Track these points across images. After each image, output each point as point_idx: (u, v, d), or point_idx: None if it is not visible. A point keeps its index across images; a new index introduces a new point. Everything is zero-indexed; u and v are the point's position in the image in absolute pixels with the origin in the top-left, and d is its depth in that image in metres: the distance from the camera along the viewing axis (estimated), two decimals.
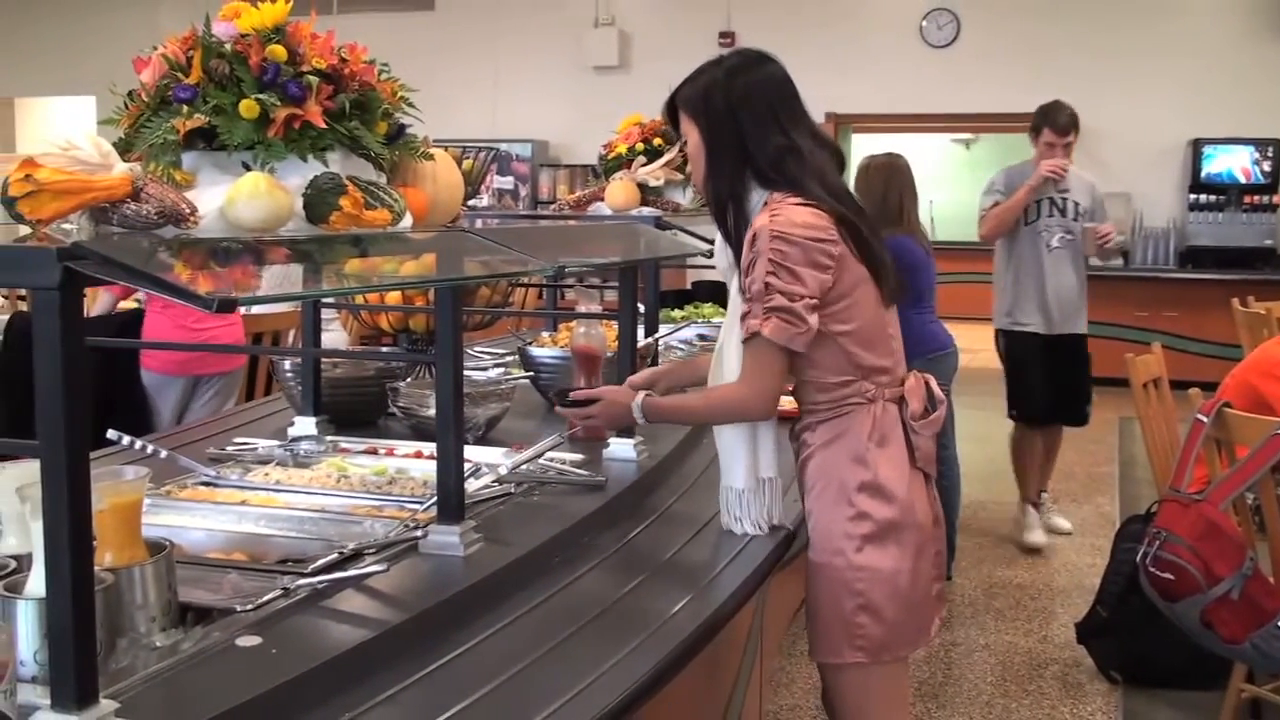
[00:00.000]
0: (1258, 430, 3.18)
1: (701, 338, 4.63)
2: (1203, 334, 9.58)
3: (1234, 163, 10.27)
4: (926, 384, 2.39)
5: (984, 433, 6.42)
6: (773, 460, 2.39)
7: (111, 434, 2.48)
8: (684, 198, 4.34)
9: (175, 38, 1.95)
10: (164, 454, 2.49)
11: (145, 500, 1.72)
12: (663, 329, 4.11)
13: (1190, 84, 10.32)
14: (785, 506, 2.48)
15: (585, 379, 3.09)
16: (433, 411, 2.48)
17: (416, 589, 1.94)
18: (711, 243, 3.69)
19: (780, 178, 2.26)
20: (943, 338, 4.82)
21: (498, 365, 3.72)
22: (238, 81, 1.88)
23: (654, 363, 3.67)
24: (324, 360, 3.12)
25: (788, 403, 2.52)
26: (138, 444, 2.49)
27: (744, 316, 2.22)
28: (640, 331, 3.02)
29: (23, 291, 5.61)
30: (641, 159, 4.30)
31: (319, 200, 1.86)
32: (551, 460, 2.65)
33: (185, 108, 1.87)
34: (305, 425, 2.93)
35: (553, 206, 6.96)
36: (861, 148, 4.92)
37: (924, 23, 11.05)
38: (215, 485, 2.49)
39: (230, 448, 2.78)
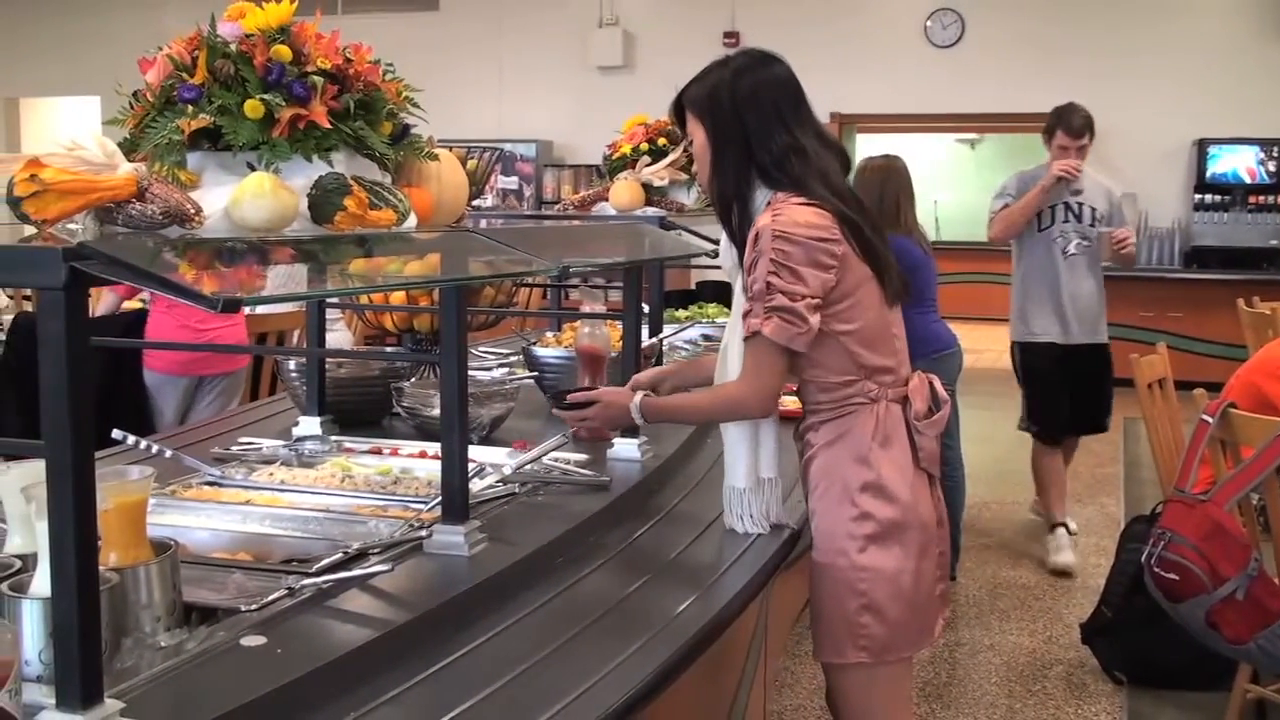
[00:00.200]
0: (1263, 431, 3.18)
1: (706, 338, 4.63)
2: (1208, 334, 9.57)
3: (1239, 163, 10.26)
4: (930, 384, 2.39)
5: (988, 433, 6.42)
6: (773, 460, 2.40)
7: (116, 434, 2.48)
8: (688, 198, 4.34)
9: (180, 38, 1.96)
10: (169, 454, 2.49)
11: (150, 500, 1.73)
12: (667, 329, 4.12)
13: (1195, 84, 10.31)
14: (789, 507, 2.48)
15: (590, 379, 3.09)
16: (437, 411, 2.48)
17: (421, 589, 1.94)
18: (715, 243, 3.69)
19: (784, 177, 2.26)
20: (946, 337, 4.82)
21: (502, 365, 3.73)
22: (243, 82, 1.88)
23: (658, 363, 3.67)
24: (329, 360, 3.12)
25: (791, 403, 2.52)
26: (143, 444, 2.49)
27: (745, 315, 2.23)
28: (644, 332, 3.02)
29: (28, 291, 5.63)
30: (646, 159, 4.29)
31: (324, 200, 1.86)
32: (556, 460, 2.65)
33: (190, 108, 1.87)
34: (310, 425, 2.93)
35: (557, 206, 6.97)
36: (865, 148, 4.92)
37: (928, 23, 11.05)
38: (220, 485, 2.49)
39: (235, 447, 2.79)
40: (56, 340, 1.28)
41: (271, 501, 2.38)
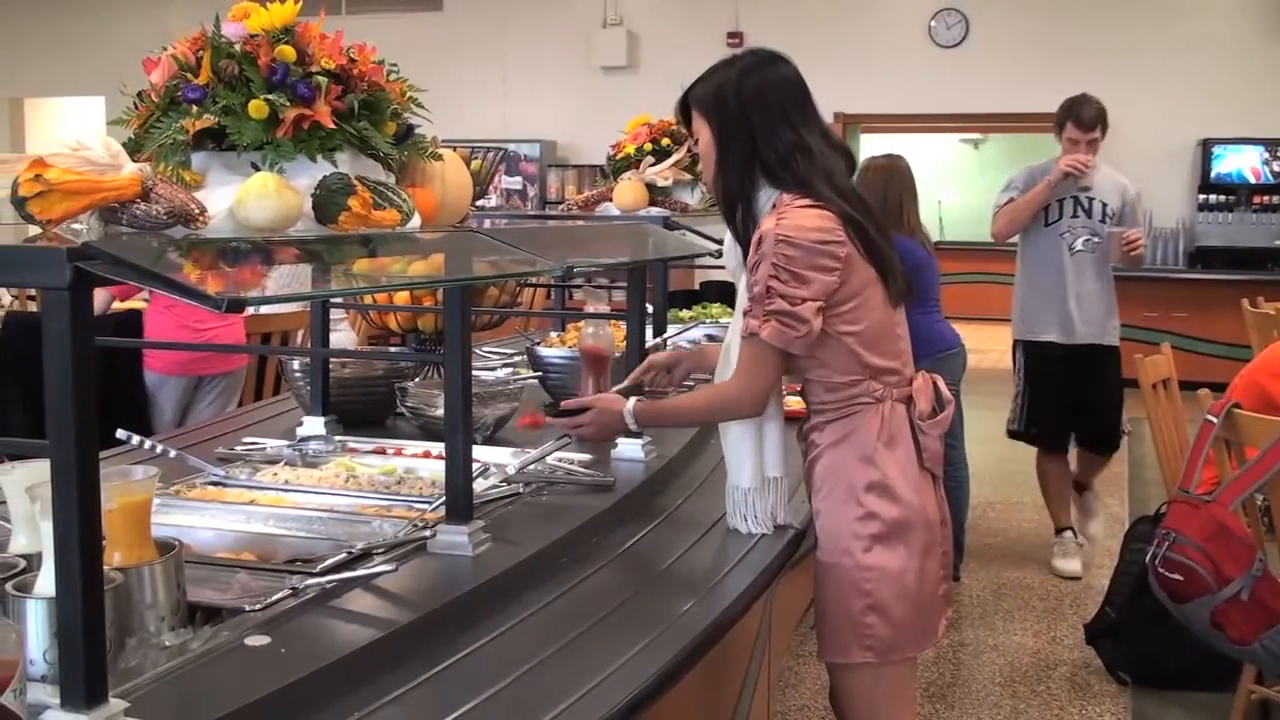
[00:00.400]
0: (1267, 431, 3.18)
1: (710, 338, 4.62)
2: (1212, 334, 9.56)
3: (1244, 163, 10.25)
4: (934, 384, 2.39)
5: (993, 433, 6.40)
6: (778, 459, 2.40)
7: (121, 434, 2.48)
8: (692, 198, 4.34)
9: (185, 38, 1.96)
10: (173, 454, 2.50)
11: (154, 500, 1.73)
12: (671, 329, 4.11)
13: (1200, 84, 10.30)
14: (793, 507, 2.48)
15: (593, 379, 3.09)
16: (441, 411, 2.48)
17: (425, 589, 1.94)
18: (719, 243, 3.69)
19: (789, 176, 2.26)
20: (950, 337, 4.81)
21: (506, 365, 3.73)
22: (247, 82, 1.89)
23: None
24: (332, 360, 3.12)
25: (795, 403, 2.52)
26: (147, 444, 2.49)
27: (745, 314, 2.23)
28: (648, 332, 3.02)
29: (32, 291, 5.63)
30: (650, 159, 4.29)
31: (328, 200, 1.87)
32: (560, 461, 2.65)
33: (195, 108, 1.87)
34: (314, 425, 2.94)
35: (561, 207, 6.97)
36: (869, 148, 4.90)
37: (933, 23, 11.04)
38: (224, 485, 2.50)
39: (239, 447, 2.79)
40: (61, 340, 1.28)
41: (276, 501, 2.39)
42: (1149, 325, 9.45)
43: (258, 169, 1.87)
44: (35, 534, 1.59)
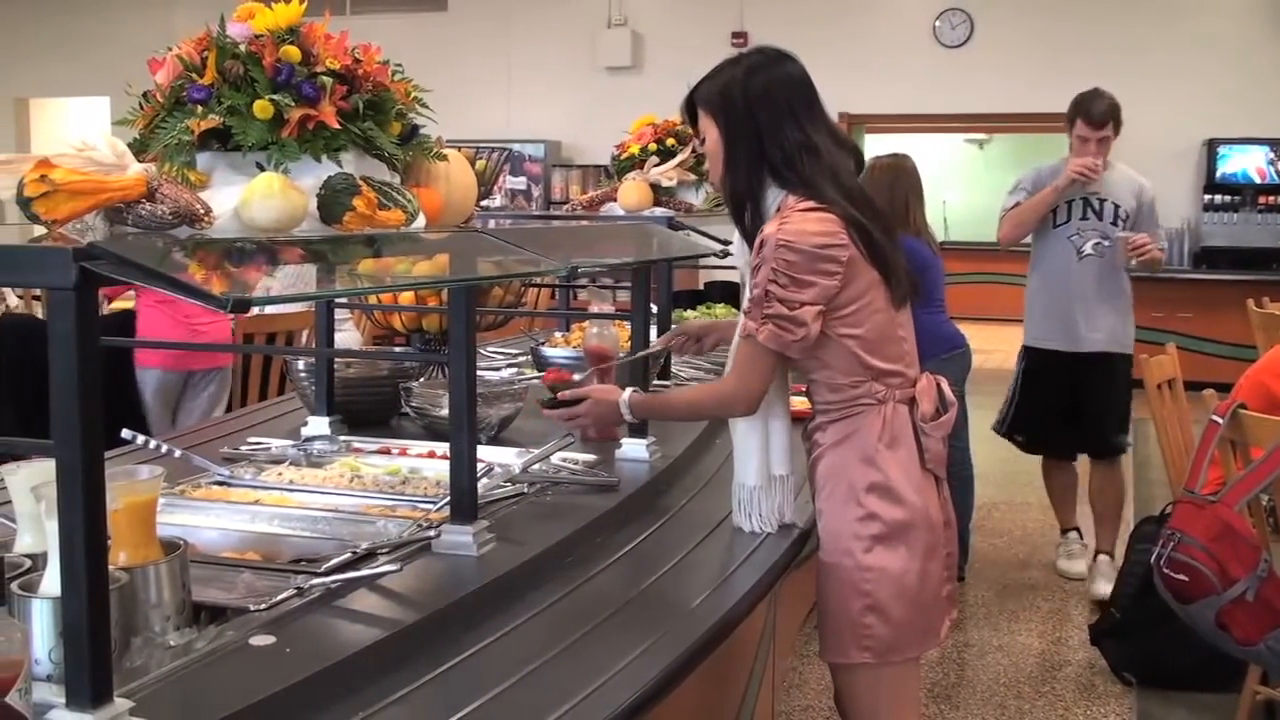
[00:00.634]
0: (1272, 431, 3.18)
1: None
2: (1217, 335, 9.54)
3: (1249, 163, 10.23)
4: (938, 385, 2.38)
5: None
6: (784, 457, 2.40)
7: (126, 433, 2.49)
8: (697, 198, 4.34)
9: (190, 39, 1.96)
10: (178, 453, 2.50)
11: (159, 499, 1.73)
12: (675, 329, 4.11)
13: (1205, 84, 10.28)
14: (799, 506, 2.47)
15: (598, 380, 3.09)
16: (446, 411, 2.48)
17: (429, 589, 1.94)
18: (724, 243, 3.70)
19: (794, 177, 2.25)
20: (955, 337, 4.80)
21: (510, 365, 3.74)
22: (252, 82, 1.89)
23: (667, 363, 3.67)
24: (337, 360, 3.13)
25: (800, 403, 2.52)
26: (152, 443, 2.50)
27: (745, 314, 2.24)
28: (653, 332, 3.02)
29: (37, 291, 5.64)
30: (654, 159, 4.30)
31: (333, 200, 1.87)
32: (564, 460, 2.66)
33: (200, 108, 1.88)
34: (319, 425, 2.94)
35: (565, 207, 6.97)
36: (874, 148, 4.87)
37: (937, 23, 11.03)
38: (229, 485, 2.50)
39: (244, 447, 2.79)
40: (66, 340, 1.29)
41: (280, 501, 2.39)
42: (1154, 326, 9.43)
43: (263, 169, 1.87)
44: (40, 533, 1.59)
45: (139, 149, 1.89)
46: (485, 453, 2.52)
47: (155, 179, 1.67)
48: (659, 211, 4.19)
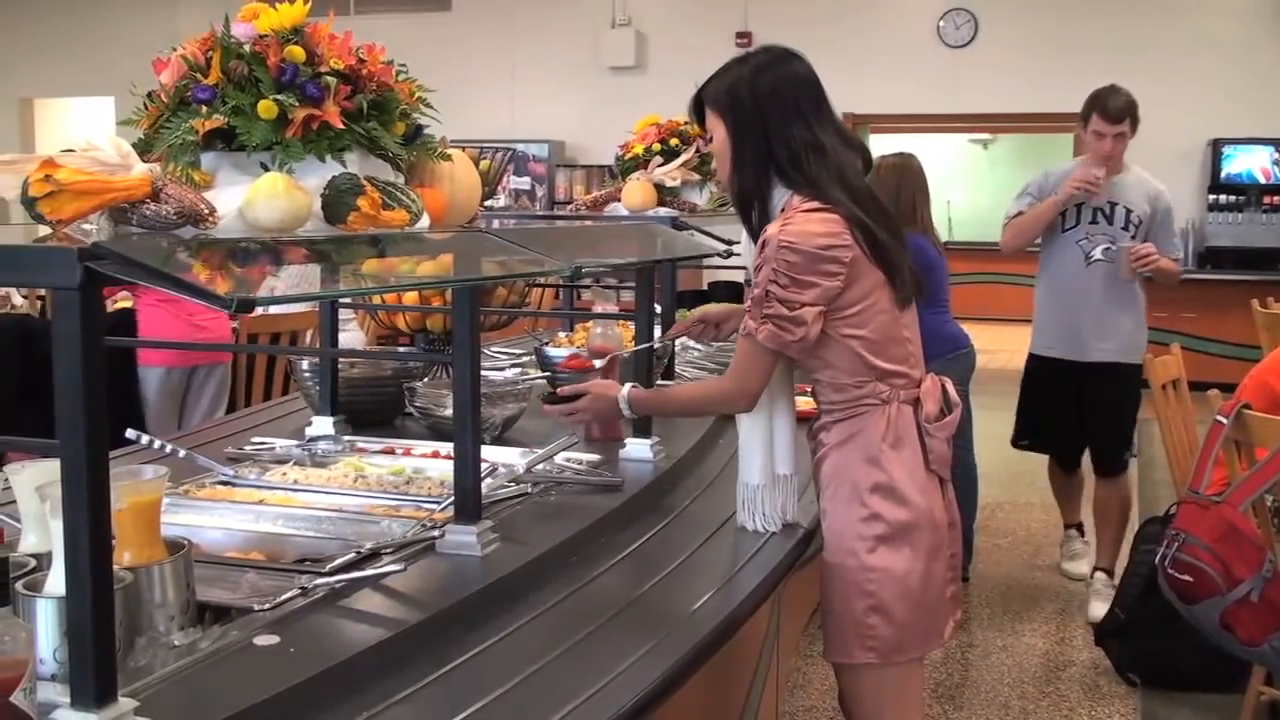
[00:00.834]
0: (1277, 431, 3.17)
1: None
2: (1222, 335, 9.53)
3: (1254, 163, 10.22)
4: (943, 386, 2.38)
5: (1002, 433, 6.39)
6: (789, 457, 2.40)
7: (130, 433, 2.49)
8: (701, 198, 4.34)
9: (194, 39, 1.96)
10: (182, 453, 2.50)
11: (164, 499, 1.73)
12: None
13: (1210, 84, 10.27)
14: (804, 505, 2.47)
15: (603, 375, 3.09)
16: (450, 411, 2.48)
17: (434, 589, 1.94)
18: (728, 243, 3.70)
19: (800, 177, 2.25)
20: (959, 338, 4.79)
21: (514, 365, 3.74)
22: (256, 82, 1.89)
23: (671, 363, 3.68)
24: (341, 360, 3.13)
25: (805, 403, 2.52)
26: (156, 443, 2.50)
27: (747, 313, 2.24)
28: (656, 332, 3.02)
29: (40, 291, 5.65)
30: (658, 159, 4.29)
31: (337, 201, 1.87)
32: (568, 460, 2.66)
33: (204, 108, 1.88)
34: (323, 425, 2.94)
35: (569, 207, 6.97)
36: (878, 148, 4.86)
37: (941, 23, 11.03)
38: (233, 484, 2.50)
39: (248, 447, 2.80)
40: (71, 340, 1.29)
41: (284, 501, 2.39)
42: (1158, 326, 9.34)
43: (267, 169, 1.87)
44: (45, 533, 1.59)
45: (143, 149, 1.89)
46: (489, 453, 2.52)
47: (160, 179, 1.67)
48: (663, 211, 4.19)
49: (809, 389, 2.43)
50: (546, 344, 3.79)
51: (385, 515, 2.29)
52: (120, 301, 5.30)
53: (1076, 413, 4.80)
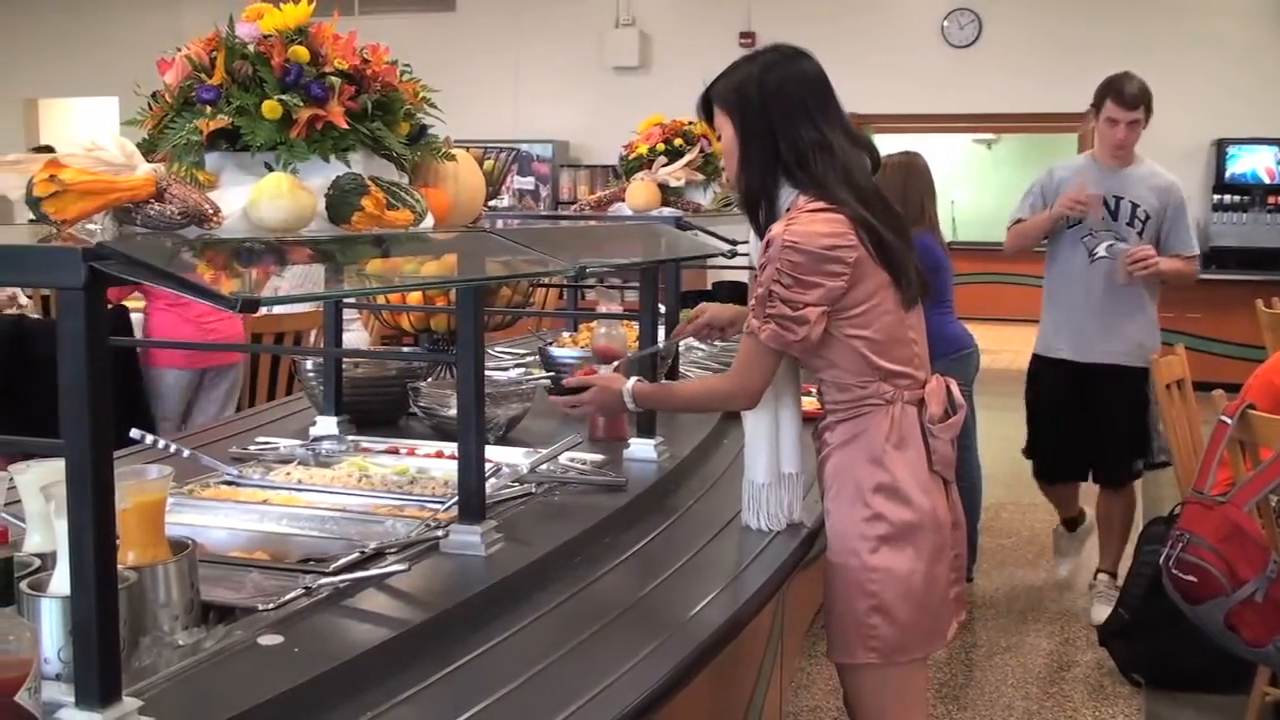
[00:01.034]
0: None
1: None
2: (1226, 335, 9.52)
3: (1258, 163, 10.21)
4: (948, 387, 2.38)
5: (1006, 433, 6.39)
6: (794, 455, 2.41)
7: (135, 433, 2.49)
8: (705, 198, 4.34)
9: (198, 39, 1.97)
10: (187, 453, 2.50)
11: (168, 499, 1.73)
12: None
13: (1214, 83, 10.25)
14: (809, 505, 2.47)
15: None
16: (454, 411, 2.48)
17: (437, 588, 1.94)
18: (732, 243, 3.70)
19: (806, 177, 2.25)
20: (964, 338, 4.79)
21: (518, 365, 3.73)
22: (260, 82, 1.89)
23: (674, 363, 3.68)
24: (345, 360, 3.13)
25: (810, 403, 2.52)
26: (161, 443, 2.50)
27: (750, 312, 2.24)
28: (660, 332, 3.02)
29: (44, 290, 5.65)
30: (662, 159, 4.29)
31: (341, 201, 1.87)
32: (572, 461, 2.66)
33: (208, 108, 1.88)
34: (327, 425, 2.94)
35: (573, 207, 6.97)
36: (882, 148, 4.85)
37: (945, 23, 11.02)
38: (237, 484, 2.50)
39: (252, 447, 2.80)
40: (76, 340, 1.29)
41: (289, 501, 2.39)
42: (1163, 326, 9.31)
43: (271, 169, 1.88)
44: (50, 533, 1.59)
45: (148, 149, 1.89)
46: (493, 453, 2.53)
47: (164, 179, 1.68)
48: (667, 211, 4.18)
49: (813, 389, 2.43)
50: (551, 344, 3.79)
51: (389, 515, 2.29)
52: (129, 301, 5.31)
53: (1079, 420, 4.61)
